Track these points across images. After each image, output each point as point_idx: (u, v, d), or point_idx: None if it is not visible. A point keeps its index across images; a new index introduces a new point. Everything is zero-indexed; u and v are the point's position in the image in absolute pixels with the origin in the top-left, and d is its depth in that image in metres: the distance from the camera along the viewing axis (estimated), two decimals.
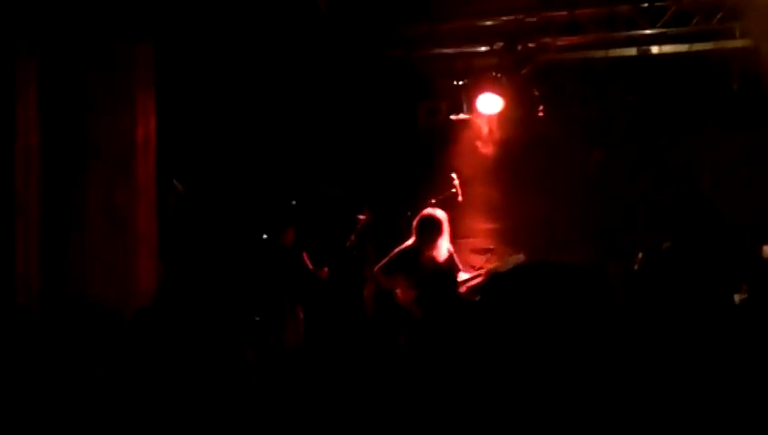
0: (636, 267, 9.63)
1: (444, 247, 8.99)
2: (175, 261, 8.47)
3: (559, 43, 10.54)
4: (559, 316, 2.01)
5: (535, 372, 2.01)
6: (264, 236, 9.76)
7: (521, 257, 9.05)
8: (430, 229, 8.93)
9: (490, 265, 9.33)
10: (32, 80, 6.98)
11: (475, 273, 9.18)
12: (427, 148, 10.96)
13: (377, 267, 9.06)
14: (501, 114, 10.85)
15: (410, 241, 9.06)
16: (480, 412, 2.06)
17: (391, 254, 9.08)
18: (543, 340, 2.01)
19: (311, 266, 9.83)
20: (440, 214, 9.06)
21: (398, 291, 8.74)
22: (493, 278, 2.24)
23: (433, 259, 8.88)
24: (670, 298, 6.98)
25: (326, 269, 9.89)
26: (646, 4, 10.10)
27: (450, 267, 8.84)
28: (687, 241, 7.64)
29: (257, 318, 8.85)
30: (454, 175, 9.87)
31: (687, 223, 7.69)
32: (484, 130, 11.02)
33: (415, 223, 9.04)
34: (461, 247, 9.94)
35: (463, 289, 8.74)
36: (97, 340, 3.39)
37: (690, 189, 8.69)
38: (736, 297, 7.28)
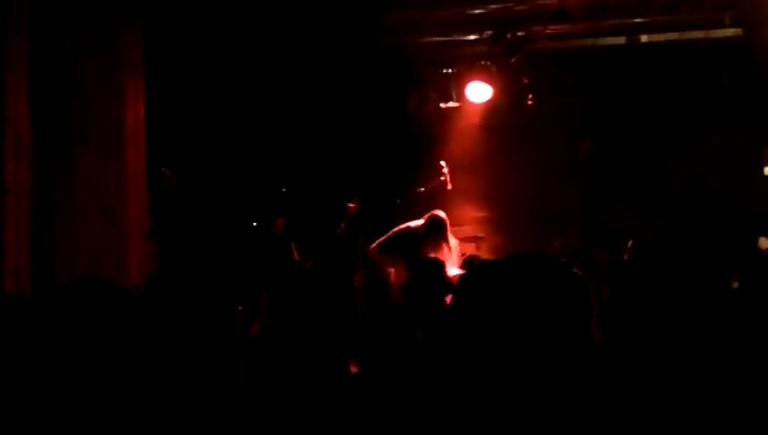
0: (625, 257, 9.68)
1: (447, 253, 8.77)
2: (168, 248, 8.43)
3: (548, 31, 10.54)
4: (540, 311, 2.00)
5: (511, 366, 1.99)
6: (254, 224, 9.74)
7: None
8: (435, 231, 8.73)
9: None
10: (21, 64, 6.91)
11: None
12: (417, 136, 10.96)
13: (374, 245, 8.92)
14: (490, 103, 10.86)
15: (416, 222, 8.92)
16: (455, 406, 2.04)
17: (392, 232, 8.92)
18: (522, 333, 1.99)
19: (297, 257, 9.80)
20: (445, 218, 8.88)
21: (391, 270, 8.62)
22: (475, 267, 2.21)
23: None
24: (661, 289, 7.00)
25: (310, 261, 9.86)
26: None
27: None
28: (683, 232, 7.68)
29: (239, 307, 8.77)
30: (443, 163, 9.87)
31: (685, 213, 7.72)
32: (474, 118, 11.02)
33: (426, 219, 8.83)
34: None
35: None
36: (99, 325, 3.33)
37: (691, 179, 8.73)
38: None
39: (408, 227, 8.83)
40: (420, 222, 8.82)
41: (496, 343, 1.93)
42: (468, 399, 1.96)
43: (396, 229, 8.92)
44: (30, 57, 7.03)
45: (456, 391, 1.98)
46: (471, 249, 9.76)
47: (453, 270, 8.73)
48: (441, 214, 8.78)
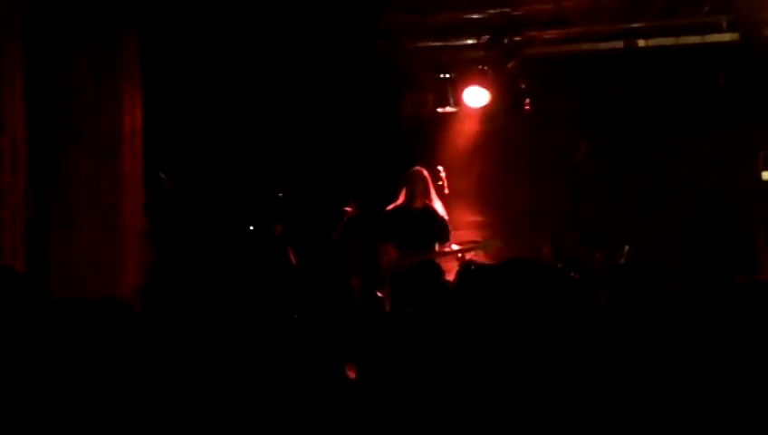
0: (622, 261, 9.67)
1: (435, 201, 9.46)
2: (164, 252, 8.40)
3: (545, 36, 10.55)
4: (536, 316, 1.98)
5: (506, 371, 1.97)
6: (251, 228, 9.72)
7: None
8: (415, 181, 9.42)
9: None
10: (17, 68, 6.90)
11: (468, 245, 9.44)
12: (414, 140, 10.94)
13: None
14: (487, 107, 10.86)
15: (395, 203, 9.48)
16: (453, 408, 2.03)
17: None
18: (518, 338, 1.98)
19: (293, 261, 9.78)
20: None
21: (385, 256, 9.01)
22: (471, 272, 2.21)
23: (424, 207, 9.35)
24: (657, 292, 6.99)
25: (306, 266, 9.86)
26: None
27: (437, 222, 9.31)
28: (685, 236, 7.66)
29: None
30: (440, 168, 9.86)
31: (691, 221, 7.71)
32: (471, 123, 11.02)
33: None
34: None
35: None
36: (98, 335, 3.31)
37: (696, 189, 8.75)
38: None
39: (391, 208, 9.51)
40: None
41: (493, 347, 1.92)
42: (466, 402, 1.95)
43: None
44: (25, 60, 7.02)
45: (453, 394, 1.97)
46: (468, 254, 9.74)
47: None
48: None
